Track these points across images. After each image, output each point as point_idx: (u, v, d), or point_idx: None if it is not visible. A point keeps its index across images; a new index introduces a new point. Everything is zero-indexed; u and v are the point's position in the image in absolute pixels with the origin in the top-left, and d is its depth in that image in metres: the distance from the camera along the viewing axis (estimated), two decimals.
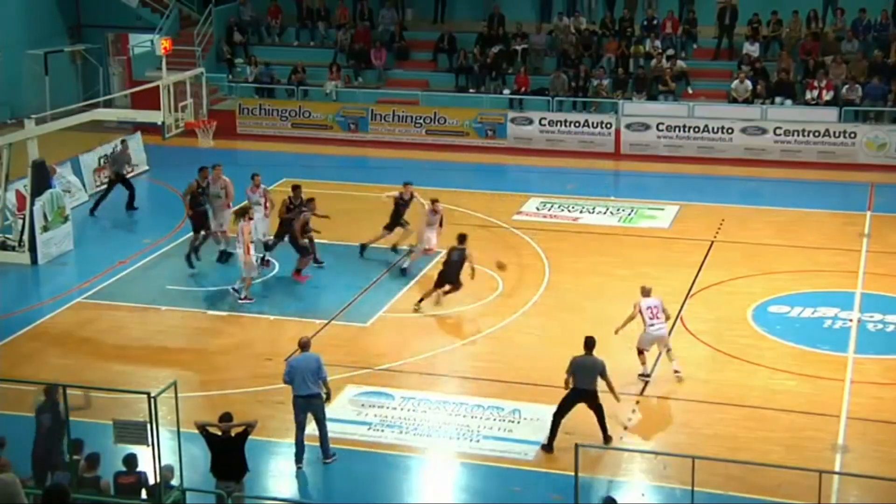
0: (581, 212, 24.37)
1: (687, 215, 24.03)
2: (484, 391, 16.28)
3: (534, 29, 32.07)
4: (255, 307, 19.32)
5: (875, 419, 15.20)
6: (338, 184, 26.24)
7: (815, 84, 28.50)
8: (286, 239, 20.41)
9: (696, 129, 28.72)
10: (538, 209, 24.73)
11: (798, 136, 27.98)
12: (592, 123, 29.49)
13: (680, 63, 30.25)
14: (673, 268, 20.69)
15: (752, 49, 29.97)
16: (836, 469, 13.88)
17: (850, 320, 18.33)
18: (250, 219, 19.40)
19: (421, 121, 30.62)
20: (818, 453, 14.25)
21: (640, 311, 16.37)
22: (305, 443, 14.25)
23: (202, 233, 21.04)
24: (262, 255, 20.68)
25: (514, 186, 26.75)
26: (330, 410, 14.83)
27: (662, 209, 24.39)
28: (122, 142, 25.98)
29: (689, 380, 16.58)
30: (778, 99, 28.79)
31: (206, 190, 21.06)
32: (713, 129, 28.57)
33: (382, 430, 15.18)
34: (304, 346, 14.46)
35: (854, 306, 18.81)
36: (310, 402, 14.13)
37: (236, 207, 19.72)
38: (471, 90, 31.13)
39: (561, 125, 29.69)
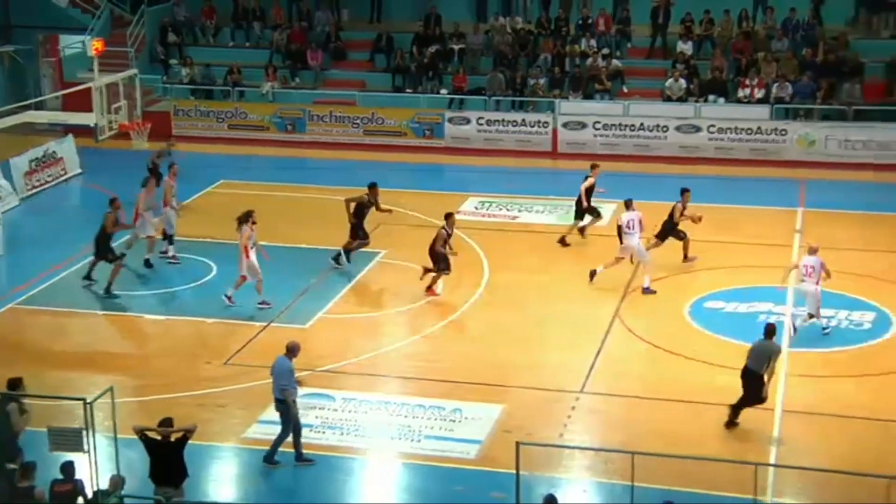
0: (519, 210, 24.51)
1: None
2: (425, 391, 16.30)
3: (470, 29, 32.18)
4: (195, 310, 19.17)
5: (809, 412, 15.47)
6: (276, 185, 26.12)
7: (747, 82, 28.96)
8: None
9: (632, 128, 29.02)
10: (477, 208, 24.82)
11: (731, 133, 28.40)
12: (530, 122, 29.67)
13: (615, 62, 30.55)
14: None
15: (685, 48, 30.36)
16: (772, 461, 14.10)
17: (784, 315, 18.63)
18: (254, 223, 19.18)
19: (358, 121, 30.56)
20: (754, 446, 14.48)
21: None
22: (280, 448, 14.24)
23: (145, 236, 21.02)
24: (164, 251, 21.07)
25: (452, 186, 26.82)
26: (270, 412, 14.75)
27: (600, 207, 24.55)
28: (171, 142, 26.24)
29: (627, 376, 16.77)
30: (711, 97, 29.21)
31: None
32: (648, 127, 28.90)
33: (324, 432, 15.13)
34: (286, 349, 14.37)
35: (787, 301, 19.13)
36: (276, 405, 14.11)
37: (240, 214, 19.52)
38: (408, 90, 31.15)
39: (498, 124, 29.83)
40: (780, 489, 13.46)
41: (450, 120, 30.06)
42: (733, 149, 28.34)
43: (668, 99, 29.39)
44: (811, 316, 17.89)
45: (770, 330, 15.06)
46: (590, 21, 31.71)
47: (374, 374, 16.99)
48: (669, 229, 20.82)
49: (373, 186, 21.03)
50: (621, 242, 19.92)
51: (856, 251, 21.24)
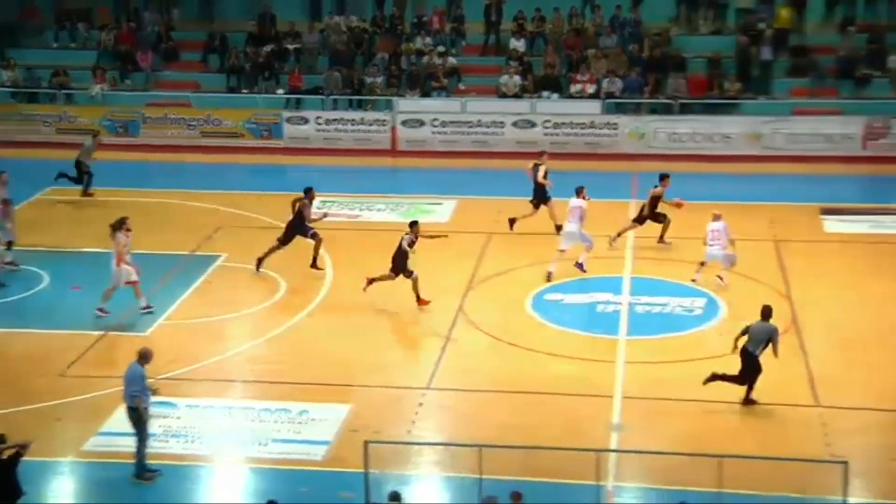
0: (361, 209, 24.51)
1: (464, 209, 24.55)
2: (270, 394, 16.14)
3: (305, 28, 31.97)
4: (28, 321, 18.47)
5: (646, 397, 15.98)
6: (109, 190, 25.36)
7: (579, 78, 29.70)
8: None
9: (470, 124, 29.38)
10: (318, 208, 24.65)
11: (565, 128, 29.06)
12: (368, 121, 29.70)
13: (451, 59, 30.87)
14: (453, 261, 21.08)
15: (518, 45, 30.91)
16: (613, 447, 14.52)
17: (621, 304, 19.21)
18: (128, 230, 18.53)
19: (194, 123, 30.00)
20: (595, 433, 14.88)
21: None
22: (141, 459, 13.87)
23: None
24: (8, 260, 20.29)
25: (293, 186, 26.43)
26: (109, 424, 14.36)
27: (440, 203, 24.83)
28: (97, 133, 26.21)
29: (472, 370, 16.98)
30: (545, 93, 29.83)
31: None
32: (486, 123, 29.31)
33: (167, 441, 14.81)
34: (138, 355, 13.96)
35: (623, 290, 19.71)
36: (128, 414, 13.79)
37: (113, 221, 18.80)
38: (244, 91, 30.74)
39: (337, 123, 29.75)
40: (621, 473, 13.88)
41: (288, 120, 29.81)
42: (568, 143, 29.01)
43: (504, 95, 29.87)
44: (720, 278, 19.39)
45: (766, 312, 15.44)
46: (424, 19, 31.94)
47: (218, 380, 16.72)
48: (649, 214, 21.37)
49: (309, 191, 20.87)
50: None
51: (685, 239, 22.01)
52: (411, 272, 18.92)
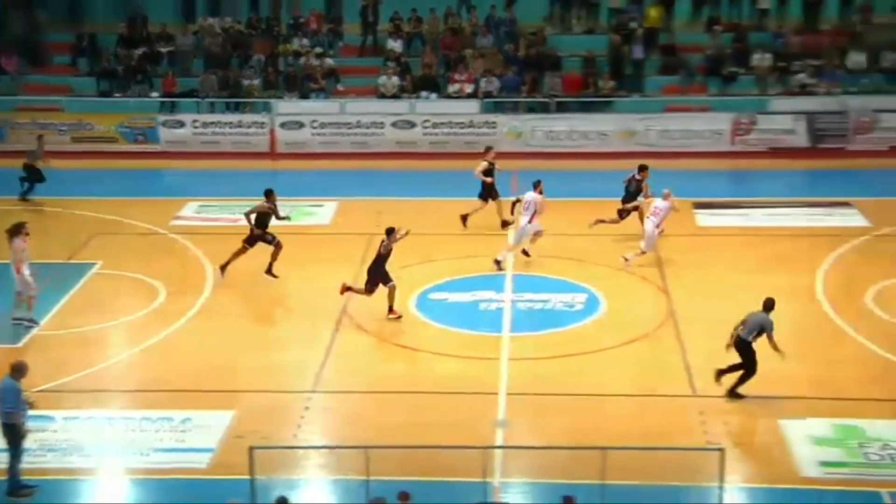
0: (241, 213, 24.15)
1: (345, 210, 24.48)
2: (152, 403, 15.84)
3: (179, 30, 31.43)
4: None
5: (530, 393, 16.20)
6: None
7: (457, 77, 29.90)
8: None
9: (349, 126, 29.30)
10: (197, 212, 24.33)
11: (445, 127, 29.21)
12: (246, 123, 29.37)
13: (328, 61, 30.73)
14: (336, 263, 20.99)
15: (395, 45, 30.95)
16: (498, 444, 14.67)
17: (504, 301, 19.41)
18: (27, 235, 17.88)
19: (65, 128, 29.23)
20: (481, 430, 15.00)
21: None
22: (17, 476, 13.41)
23: None
24: None
25: (170, 191, 26.16)
26: None
27: (321, 206, 24.71)
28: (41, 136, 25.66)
29: (358, 372, 16.97)
30: (424, 93, 29.94)
31: None
32: (365, 124, 29.27)
33: (45, 455, 14.40)
34: (11, 369, 13.49)
35: (506, 288, 19.93)
36: (2, 431, 13.36)
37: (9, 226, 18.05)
38: (116, 94, 30.06)
39: (214, 126, 29.34)
40: (507, 469, 14.02)
41: (163, 123, 29.28)
42: (448, 142, 29.16)
43: (383, 96, 29.88)
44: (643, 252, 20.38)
45: (768, 304, 15.64)
46: (301, 20, 31.74)
47: (96, 390, 16.32)
48: (629, 205, 21.64)
49: (269, 193, 20.39)
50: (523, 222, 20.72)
51: (565, 236, 22.35)
52: (390, 279, 18.58)
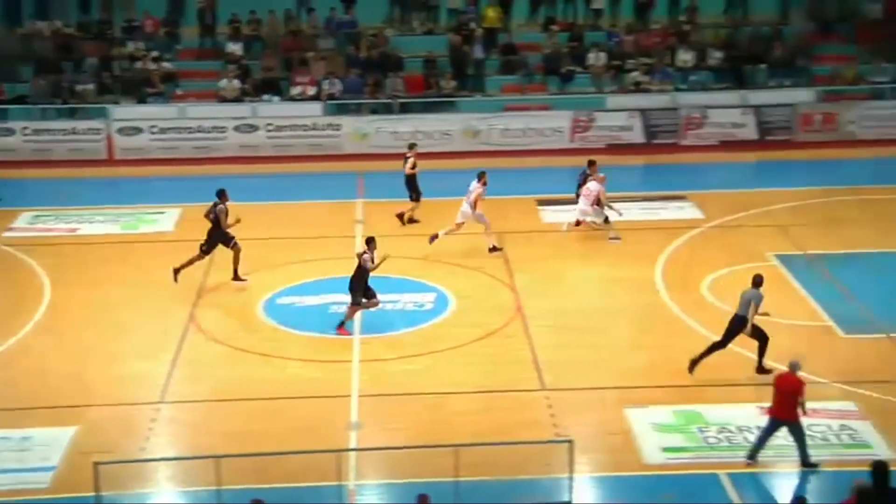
0: (79, 222, 23.49)
1: (190, 217, 23.98)
2: None
3: (4, 34, 30.23)
4: None
5: (383, 394, 16.24)
6: None
7: (299, 80, 29.69)
8: None
9: (190, 130, 28.76)
10: (31, 223, 23.48)
11: (288, 130, 28.96)
12: (81, 130, 28.48)
13: (166, 64, 30.08)
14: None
15: (235, 48, 30.53)
16: (352, 446, 14.66)
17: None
18: None
19: None
20: (335, 433, 14.97)
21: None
22: None
23: None
24: None
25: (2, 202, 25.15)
26: None
27: (164, 212, 24.20)
28: None
29: (206, 380, 16.68)
30: (266, 96, 29.62)
31: None
32: (206, 128, 28.77)
33: None
34: None
35: None
36: None
37: None
38: None
39: (47, 134, 28.38)
40: (362, 471, 14.03)
41: None
42: (292, 146, 28.93)
43: (224, 99, 29.43)
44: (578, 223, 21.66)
45: (756, 280, 16.19)
46: (135, 23, 30.96)
47: None
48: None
49: (222, 193, 19.95)
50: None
51: (412, 236, 22.52)
52: (373, 295, 18.10)
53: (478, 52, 30.37)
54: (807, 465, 13.87)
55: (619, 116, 29.13)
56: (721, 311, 18.60)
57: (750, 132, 28.92)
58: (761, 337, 16.28)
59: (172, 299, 19.16)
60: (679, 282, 19.97)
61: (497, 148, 28.59)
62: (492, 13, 31.26)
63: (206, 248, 19.99)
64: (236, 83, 29.41)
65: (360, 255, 18.16)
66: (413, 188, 23.48)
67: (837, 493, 12.19)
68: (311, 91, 29.59)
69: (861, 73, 29.54)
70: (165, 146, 28.66)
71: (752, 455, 14.03)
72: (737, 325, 16.19)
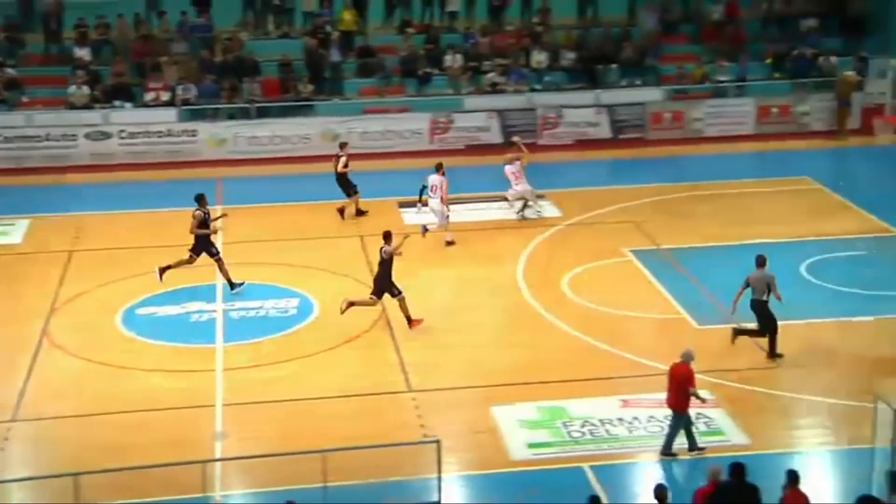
0: None
1: (39, 228, 23.28)
2: None
3: None
4: None
5: (248, 402, 16.05)
6: None
7: (152, 86, 29.04)
8: None
9: (38, 139, 27.84)
10: None
11: (142, 137, 28.30)
12: None
13: (9, 71, 29.03)
14: (32, 283, 20.01)
15: (83, 53, 29.65)
16: (217, 456, 14.44)
17: (215, 311, 19.10)
18: None
19: None
20: (200, 444, 14.73)
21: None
22: None
23: None
24: None
25: None
26: None
27: (12, 224, 23.40)
28: None
29: (62, 396, 16.25)
30: (118, 102, 28.86)
31: None
32: (55, 136, 27.90)
33: None
34: None
35: (217, 298, 19.62)
36: None
37: None
38: None
39: None
40: (229, 481, 13.85)
41: None
42: (146, 153, 28.28)
43: (74, 106, 28.57)
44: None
45: (760, 260, 16.65)
46: None
47: None
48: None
49: (201, 198, 19.86)
50: (424, 205, 21.95)
51: (274, 241, 22.34)
52: (398, 291, 18.11)
53: (334, 55, 30.27)
54: (667, 454, 14.28)
55: (477, 117, 29.44)
56: (582, 307, 19.03)
57: (604, 131, 29.61)
58: (772, 322, 16.81)
59: (23, 315, 18.54)
60: (540, 280, 20.32)
61: (357, 151, 28.48)
62: (347, 16, 31.20)
63: (195, 251, 19.80)
64: (85, 89, 28.59)
65: (380, 251, 18.31)
66: (346, 185, 23.60)
67: (695, 479, 12.60)
68: (165, 97, 28.98)
69: (708, 72, 30.57)
70: (11, 155, 27.67)
71: (667, 450, 14.31)
72: (761, 309, 16.80)
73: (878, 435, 11.86)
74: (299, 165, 28.05)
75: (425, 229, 21.73)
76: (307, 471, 12.83)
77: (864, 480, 12.10)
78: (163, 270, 19.72)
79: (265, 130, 28.75)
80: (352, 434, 14.72)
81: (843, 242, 21.23)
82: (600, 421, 15.17)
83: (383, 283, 18.26)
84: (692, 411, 15.22)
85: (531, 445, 14.73)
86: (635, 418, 15.21)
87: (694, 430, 14.46)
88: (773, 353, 16.88)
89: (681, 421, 14.23)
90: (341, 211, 23.61)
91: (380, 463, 13.82)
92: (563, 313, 18.77)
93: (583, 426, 15.11)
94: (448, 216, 22.17)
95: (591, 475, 13.96)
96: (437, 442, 12.62)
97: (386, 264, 18.25)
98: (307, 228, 23.26)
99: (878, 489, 11.38)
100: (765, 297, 16.71)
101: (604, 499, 12.83)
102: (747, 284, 16.91)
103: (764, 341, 16.86)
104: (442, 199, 21.96)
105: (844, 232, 21.87)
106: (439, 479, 12.28)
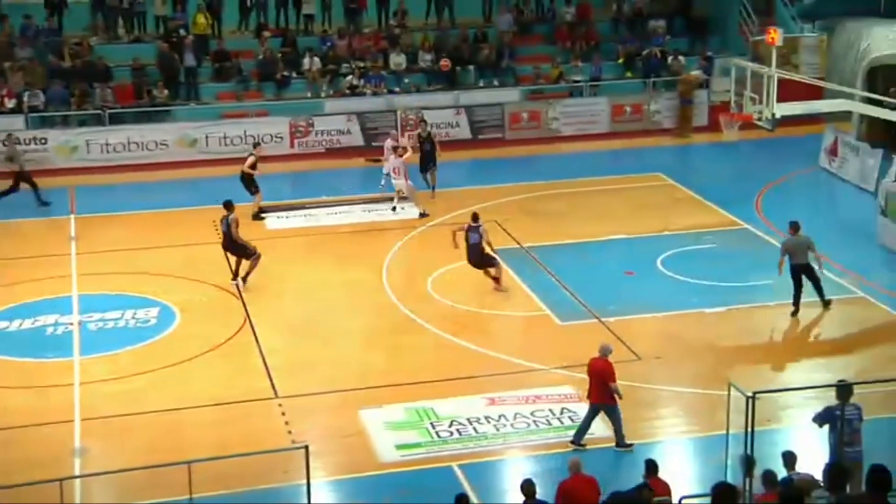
0: None
1: None
2: None
3: None
4: None
5: (108, 415, 15.65)
6: None
7: None
8: None
9: None
10: None
11: None
12: None
13: None
14: None
15: None
16: (76, 473, 14.03)
17: (72, 324, 18.56)
18: None
19: None
20: (59, 462, 14.28)
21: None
22: None
23: None
24: None
25: None
26: None
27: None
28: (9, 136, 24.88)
29: None
30: None
31: None
32: None
33: None
34: None
35: (73, 309, 19.07)
36: None
37: None
38: None
39: None
40: (89, 498, 13.46)
41: None
42: None
43: None
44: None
45: (795, 225, 17.97)
46: None
47: None
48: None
49: (228, 205, 19.83)
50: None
51: (130, 250, 21.84)
52: (492, 258, 19.61)
53: (189, 59, 29.73)
54: (621, 446, 14.45)
55: (337, 120, 29.35)
56: (447, 307, 19.17)
57: (464, 132, 29.88)
58: (818, 280, 18.15)
59: None
60: (405, 281, 20.40)
61: (216, 156, 28.12)
62: (201, 19, 30.68)
63: (246, 253, 19.89)
64: None
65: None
66: (249, 185, 23.38)
67: (561, 472, 12.83)
68: (11, 103, 27.98)
69: (565, 72, 31.16)
70: None
71: (577, 439, 14.46)
72: (806, 270, 17.98)
73: (733, 421, 12.29)
74: (156, 172, 27.50)
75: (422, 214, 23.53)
76: (173, 482, 12.56)
77: (720, 466, 12.51)
78: (244, 279, 19.69)
79: (119, 137, 28.06)
80: (219, 443, 14.50)
81: (694, 236, 21.94)
82: (468, 420, 15.31)
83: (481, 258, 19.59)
84: (557, 406, 15.56)
85: (399, 447, 14.77)
86: (502, 416, 15.40)
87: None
88: (825, 303, 18.36)
89: (615, 412, 14.40)
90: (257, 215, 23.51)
91: (248, 471, 13.66)
92: (429, 314, 18.88)
93: (450, 426, 15.22)
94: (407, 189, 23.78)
95: (459, 474, 14.07)
96: (306, 447, 12.52)
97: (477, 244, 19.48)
98: (165, 236, 22.81)
99: (732, 474, 11.78)
100: (806, 260, 17.99)
101: (472, 497, 12.95)
102: (786, 251, 18.13)
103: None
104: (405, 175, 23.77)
105: (696, 226, 22.61)
106: (308, 484, 12.18)
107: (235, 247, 19.96)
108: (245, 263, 19.93)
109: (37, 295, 19.55)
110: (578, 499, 11.94)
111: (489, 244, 19.63)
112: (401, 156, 23.98)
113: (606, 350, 14.59)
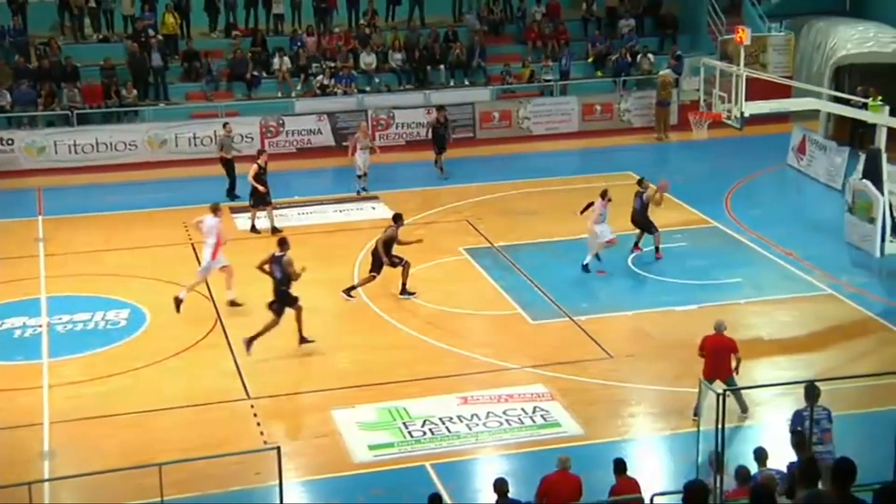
0: None
1: None
2: None
3: None
4: None
5: (77, 418, 15.53)
6: None
7: None
8: None
9: None
10: None
11: None
12: None
13: None
14: None
15: None
16: (45, 476, 13.92)
17: (40, 326, 18.41)
18: None
19: None
20: (27, 465, 14.17)
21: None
22: None
23: None
24: None
25: None
26: None
27: None
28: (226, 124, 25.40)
29: None
30: None
31: None
32: None
33: None
34: None
35: (41, 312, 18.92)
36: None
37: None
38: None
39: None
40: (57, 500, 13.37)
41: None
42: None
43: None
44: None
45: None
46: None
47: None
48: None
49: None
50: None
51: (100, 252, 21.71)
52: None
53: (157, 59, 29.55)
54: (745, 411, 14.90)
55: (308, 120, 29.28)
56: (419, 307, 19.17)
57: None
58: None
59: None
60: (377, 281, 20.35)
61: (186, 157, 27.99)
62: (170, 19, 30.52)
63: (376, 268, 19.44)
64: None
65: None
66: (257, 196, 22.95)
67: (537, 470, 12.85)
68: None
69: (537, 71, 31.22)
70: None
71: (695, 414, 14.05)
72: None
73: (703, 418, 12.35)
74: (125, 173, 27.34)
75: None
76: (144, 485, 12.48)
77: (691, 463, 12.57)
78: (348, 291, 19.42)
79: (87, 138, 27.88)
80: (190, 445, 14.43)
81: (665, 235, 22.04)
82: (440, 419, 15.31)
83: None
84: (529, 405, 15.59)
85: (372, 447, 14.75)
86: (474, 415, 15.41)
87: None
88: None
89: (735, 382, 14.55)
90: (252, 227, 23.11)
91: (221, 473, 13.61)
92: (401, 314, 18.87)
93: (423, 425, 15.21)
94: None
95: (432, 473, 14.07)
96: (278, 448, 12.48)
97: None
98: (135, 237, 22.68)
99: (703, 471, 11.85)
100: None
101: (445, 496, 12.95)
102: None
103: None
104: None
105: (666, 224, 22.69)
106: (280, 485, 12.16)
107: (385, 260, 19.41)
108: (399, 273, 19.55)
109: (4, 297, 19.39)
110: (559, 495, 11.97)
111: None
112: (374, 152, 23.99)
113: (722, 326, 15.05)
